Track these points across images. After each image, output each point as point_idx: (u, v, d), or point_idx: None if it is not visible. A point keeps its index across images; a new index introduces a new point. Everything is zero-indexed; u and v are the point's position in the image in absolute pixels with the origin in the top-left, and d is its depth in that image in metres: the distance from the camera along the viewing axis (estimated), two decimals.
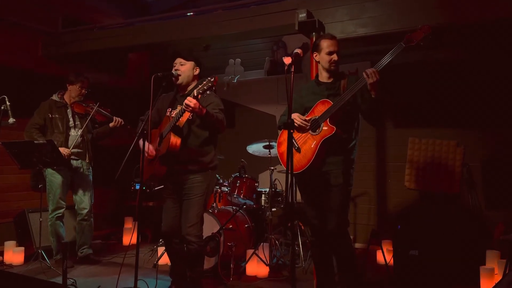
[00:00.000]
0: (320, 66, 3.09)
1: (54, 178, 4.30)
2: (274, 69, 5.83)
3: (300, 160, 2.98)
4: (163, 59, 6.39)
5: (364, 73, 2.72)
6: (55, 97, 4.41)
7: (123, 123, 4.29)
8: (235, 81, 5.99)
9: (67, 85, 4.42)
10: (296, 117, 2.97)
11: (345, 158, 2.98)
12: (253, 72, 5.99)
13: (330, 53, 2.97)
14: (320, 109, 2.94)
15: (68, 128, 4.33)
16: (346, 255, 3.03)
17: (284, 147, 3.12)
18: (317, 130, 2.92)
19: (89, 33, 5.20)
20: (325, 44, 2.99)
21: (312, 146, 2.92)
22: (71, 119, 4.37)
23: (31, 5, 5.23)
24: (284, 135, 3.17)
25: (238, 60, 6.09)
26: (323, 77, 3.09)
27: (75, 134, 4.35)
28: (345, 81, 2.98)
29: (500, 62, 4.49)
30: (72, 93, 4.40)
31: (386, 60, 2.72)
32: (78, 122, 4.38)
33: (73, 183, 4.42)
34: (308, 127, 2.96)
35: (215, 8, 4.53)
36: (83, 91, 4.39)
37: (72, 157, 4.34)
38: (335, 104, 2.85)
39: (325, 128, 2.87)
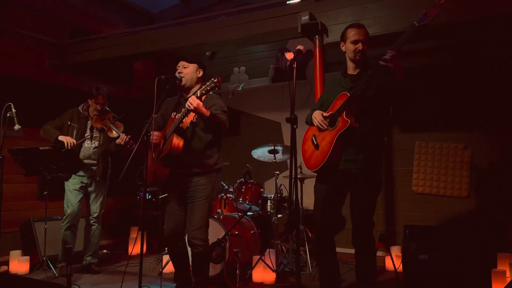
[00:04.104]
0: (347, 57, 2.97)
1: (67, 186, 4.37)
2: (279, 77, 5.84)
3: (318, 157, 2.87)
4: (169, 69, 6.44)
5: (381, 60, 2.57)
6: (80, 107, 4.50)
7: (127, 139, 4.26)
8: (239, 89, 6.00)
9: (87, 98, 4.49)
10: (316, 115, 2.90)
11: (367, 156, 2.78)
12: (258, 80, 6.00)
13: (355, 42, 2.85)
14: (339, 103, 2.82)
15: (83, 139, 4.36)
16: (366, 258, 2.88)
17: (306, 145, 3.03)
18: (334, 125, 2.79)
19: (95, 43, 5.25)
20: (351, 33, 2.86)
21: (328, 142, 2.80)
22: (88, 131, 4.43)
23: (38, 16, 5.31)
24: (308, 132, 3.05)
25: (243, 68, 6.12)
26: (350, 68, 2.97)
27: (88, 146, 4.40)
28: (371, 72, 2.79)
29: (507, 62, 4.45)
30: (91, 106, 4.47)
31: (401, 41, 2.58)
32: (97, 135, 4.42)
33: (87, 192, 4.45)
34: (325, 126, 2.84)
35: (218, 14, 4.56)
36: (98, 106, 4.41)
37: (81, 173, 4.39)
38: (350, 97, 2.73)
39: (340, 122, 2.75)
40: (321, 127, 2.87)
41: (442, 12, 2.51)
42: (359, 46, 2.85)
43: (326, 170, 2.86)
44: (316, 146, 2.92)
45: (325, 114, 2.86)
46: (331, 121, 2.82)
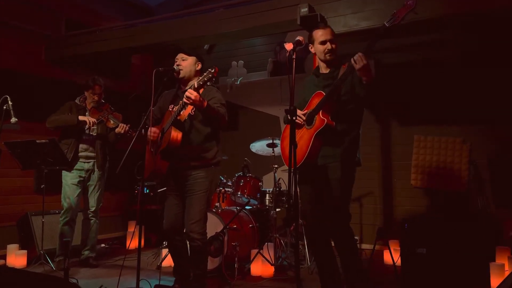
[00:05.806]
0: (317, 58, 3.05)
1: (64, 180, 4.35)
2: (277, 70, 5.81)
3: (297, 155, 2.91)
4: (167, 63, 6.40)
5: (351, 60, 2.65)
6: (77, 100, 4.48)
7: (127, 128, 4.26)
8: (238, 83, 5.97)
9: (84, 91, 4.47)
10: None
11: (344, 151, 2.88)
12: (256, 74, 5.97)
13: (323, 43, 2.93)
14: (315, 101, 2.89)
15: (82, 131, 4.34)
16: (347, 250, 2.91)
17: (285, 142, 3.09)
18: (311, 124, 2.87)
19: (92, 36, 5.21)
20: (318, 34, 2.95)
21: (306, 140, 2.87)
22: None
23: (35, 9, 5.26)
24: (286, 130, 3.12)
25: (241, 62, 6.09)
26: (322, 68, 3.05)
27: (86, 138, 4.37)
28: (343, 70, 2.88)
29: (506, 56, 4.43)
30: (88, 98, 4.45)
31: (372, 43, 2.69)
32: (94, 128, 4.39)
33: (84, 186, 4.43)
34: (303, 123, 2.91)
35: (216, 7, 4.53)
36: (95, 97, 4.40)
37: (82, 160, 4.37)
38: (326, 95, 2.81)
39: (317, 121, 2.82)
40: (298, 122, 2.91)
41: (410, 13, 2.59)
42: (328, 45, 2.92)
43: (305, 167, 2.91)
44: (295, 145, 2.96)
45: (301, 112, 2.92)
46: (308, 119, 2.89)
